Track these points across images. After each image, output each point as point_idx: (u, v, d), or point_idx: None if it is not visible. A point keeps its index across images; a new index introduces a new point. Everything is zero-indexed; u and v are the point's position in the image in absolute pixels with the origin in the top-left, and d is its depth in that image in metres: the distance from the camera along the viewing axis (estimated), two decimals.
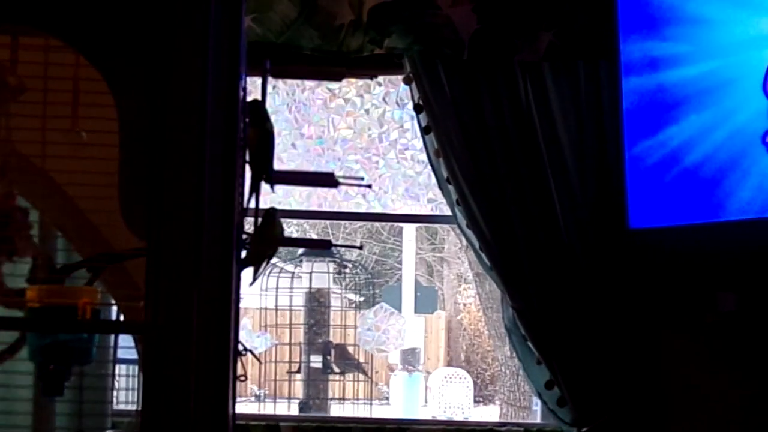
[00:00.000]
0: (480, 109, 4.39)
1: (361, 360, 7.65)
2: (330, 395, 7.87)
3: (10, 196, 2.76)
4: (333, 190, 8.23)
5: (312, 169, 8.13)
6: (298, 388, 7.76)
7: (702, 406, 4.35)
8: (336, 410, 7.74)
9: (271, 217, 3.06)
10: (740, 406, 4.30)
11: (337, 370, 7.47)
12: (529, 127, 4.38)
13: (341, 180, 3.44)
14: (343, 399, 7.70)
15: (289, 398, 7.36)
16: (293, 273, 7.17)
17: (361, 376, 7.61)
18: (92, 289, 2.80)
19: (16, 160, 2.77)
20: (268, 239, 3.03)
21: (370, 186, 3.67)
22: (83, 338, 2.75)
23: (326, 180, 3.50)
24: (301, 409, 7.42)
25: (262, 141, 3.03)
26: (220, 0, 2.51)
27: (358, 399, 7.46)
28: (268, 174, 3.09)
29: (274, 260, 6.88)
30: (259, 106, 3.01)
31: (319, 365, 7.48)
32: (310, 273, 7.21)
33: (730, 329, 4.26)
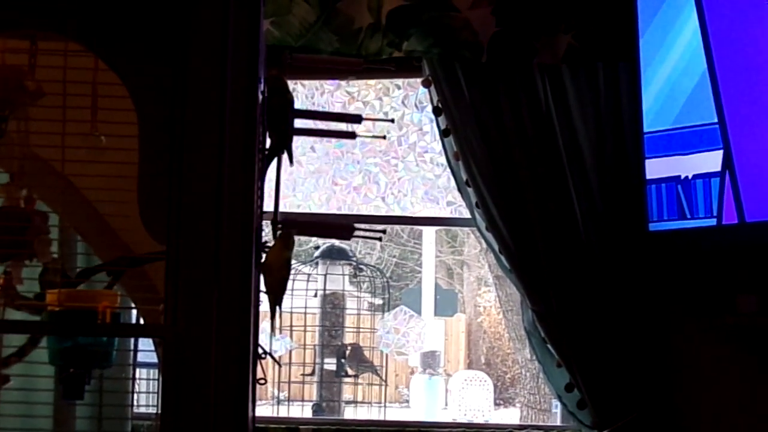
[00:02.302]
0: (499, 112, 4.38)
1: (378, 363, 7.64)
2: (344, 398, 7.87)
3: (29, 200, 2.77)
4: (353, 194, 8.25)
5: (331, 172, 8.14)
6: (313, 391, 7.76)
7: (722, 408, 4.33)
8: (349, 413, 7.74)
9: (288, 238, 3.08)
10: (762, 407, 4.28)
11: (351, 372, 7.46)
12: (549, 129, 4.37)
13: (356, 234, 3.46)
14: (356, 402, 7.68)
15: (303, 401, 7.36)
16: (309, 275, 7.16)
17: (376, 379, 7.59)
18: (112, 293, 2.80)
19: (36, 164, 2.78)
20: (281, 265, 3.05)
21: (384, 231, 3.67)
22: (103, 342, 2.75)
23: (341, 233, 3.53)
24: (314, 412, 7.42)
25: (282, 110, 3.05)
26: (239, 4, 2.51)
27: (372, 402, 7.44)
28: (288, 147, 3.11)
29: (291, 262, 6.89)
30: (280, 78, 3.04)
31: (333, 368, 7.47)
32: (325, 275, 7.20)
33: (751, 331, 4.25)
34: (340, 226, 3.69)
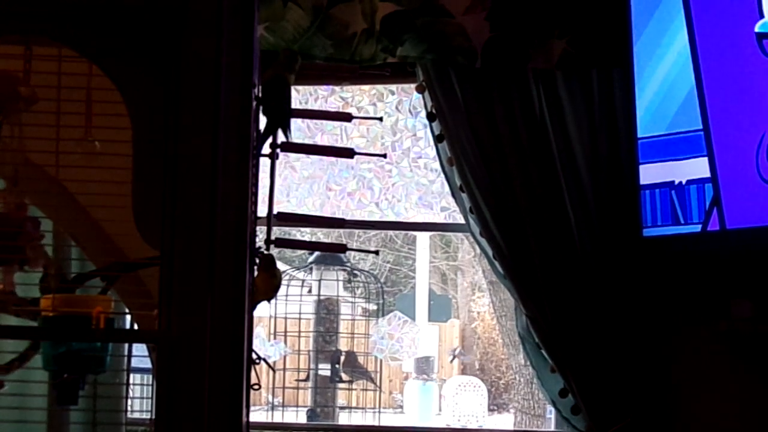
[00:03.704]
0: (493, 118, 4.38)
1: (371, 368, 7.63)
2: (338, 404, 7.87)
3: (21, 206, 2.77)
4: (347, 199, 8.26)
5: (325, 178, 8.15)
6: (308, 397, 7.76)
7: (717, 413, 4.33)
8: (344, 419, 7.74)
9: (271, 264, 3.07)
10: (756, 413, 4.28)
11: (345, 378, 7.47)
12: (543, 135, 4.37)
13: (357, 152, 3.46)
14: (350, 408, 7.68)
15: (298, 406, 7.36)
16: (303, 281, 7.17)
17: (371, 385, 7.59)
18: (106, 298, 2.80)
19: (30, 169, 2.78)
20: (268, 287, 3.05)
21: (385, 156, 3.68)
22: (97, 347, 2.75)
23: (343, 152, 3.53)
24: (309, 418, 7.42)
25: (278, 86, 3.02)
26: (233, 9, 2.52)
27: (366, 408, 7.43)
28: (285, 126, 3.08)
29: (285, 267, 6.88)
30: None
31: (328, 373, 7.47)
32: (319, 281, 7.21)
33: (745, 336, 4.25)
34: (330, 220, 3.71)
